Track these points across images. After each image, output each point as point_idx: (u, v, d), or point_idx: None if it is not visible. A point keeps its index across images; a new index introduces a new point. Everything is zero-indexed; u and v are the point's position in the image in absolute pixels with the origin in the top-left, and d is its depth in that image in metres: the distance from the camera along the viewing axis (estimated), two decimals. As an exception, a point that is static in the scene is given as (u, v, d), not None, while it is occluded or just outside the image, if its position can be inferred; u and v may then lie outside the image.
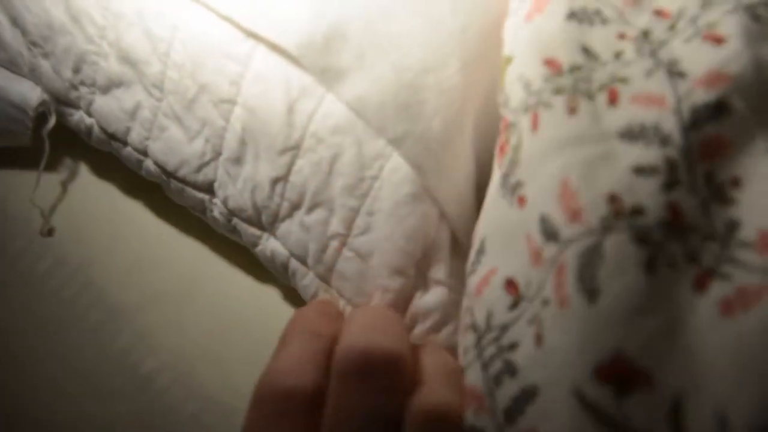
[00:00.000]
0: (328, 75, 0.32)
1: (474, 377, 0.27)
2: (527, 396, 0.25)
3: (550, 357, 0.24)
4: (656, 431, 0.22)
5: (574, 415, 0.23)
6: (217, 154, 0.34)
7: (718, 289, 0.23)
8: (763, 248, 0.23)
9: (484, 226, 0.31)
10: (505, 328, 0.27)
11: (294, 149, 0.33)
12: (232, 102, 0.34)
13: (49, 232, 0.41)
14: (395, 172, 0.32)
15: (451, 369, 0.29)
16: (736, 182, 0.25)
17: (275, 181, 0.33)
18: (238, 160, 0.34)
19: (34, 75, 0.38)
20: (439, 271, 0.33)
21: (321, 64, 0.32)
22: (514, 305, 0.27)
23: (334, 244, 0.33)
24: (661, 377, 0.23)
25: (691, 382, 0.22)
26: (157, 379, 0.38)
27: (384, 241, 0.32)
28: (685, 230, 0.24)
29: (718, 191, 0.25)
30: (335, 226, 0.33)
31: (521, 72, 0.30)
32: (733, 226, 0.24)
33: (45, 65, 0.38)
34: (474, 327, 0.28)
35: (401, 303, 0.33)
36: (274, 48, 0.33)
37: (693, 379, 0.22)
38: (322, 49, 0.32)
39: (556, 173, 0.27)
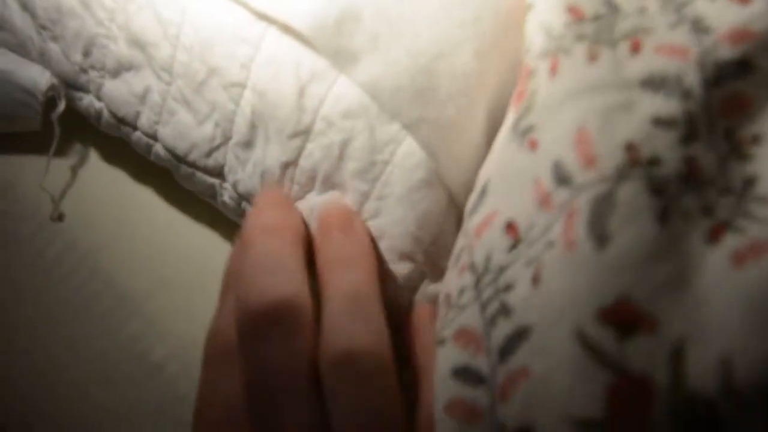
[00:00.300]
0: (341, 57, 0.32)
1: (472, 318, 0.27)
2: (520, 335, 0.25)
3: (547, 298, 0.24)
4: (655, 373, 0.22)
5: (572, 354, 0.23)
6: (227, 138, 0.34)
7: (730, 242, 0.23)
8: None
9: (489, 169, 0.30)
10: (502, 269, 0.27)
11: (304, 133, 0.32)
12: (242, 85, 0.33)
13: (59, 218, 0.40)
14: (408, 157, 0.32)
15: (361, 294, 0.29)
16: (755, 140, 0.25)
17: (285, 166, 0.33)
18: (248, 144, 0.34)
19: (43, 59, 0.38)
20: (447, 255, 0.32)
21: (334, 46, 0.32)
22: (513, 247, 0.27)
23: None
24: (665, 322, 0.23)
25: (697, 329, 0.22)
26: (168, 367, 0.37)
27: (394, 225, 0.32)
28: (701, 184, 0.24)
29: (737, 147, 0.25)
30: None
31: (542, 19, 0.30)
32: (750, 181, 0.24)
33: (54, 49, 0.37)
34: (472, 268, 0.28)
35: (408, 289, 0.33)
36: (286, 30, 0.33)
37: (699, 325, 0.22)
38: (335, 31, 0.32)
39: (573, 119, 0.26)
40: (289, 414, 0.27)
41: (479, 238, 0.28)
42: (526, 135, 0.28)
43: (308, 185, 0.33)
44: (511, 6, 0.33)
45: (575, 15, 0.29)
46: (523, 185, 0.27)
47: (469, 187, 0.32)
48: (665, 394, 0.22)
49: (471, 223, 0.29)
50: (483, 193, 0.29)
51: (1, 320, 0.39)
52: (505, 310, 0.25)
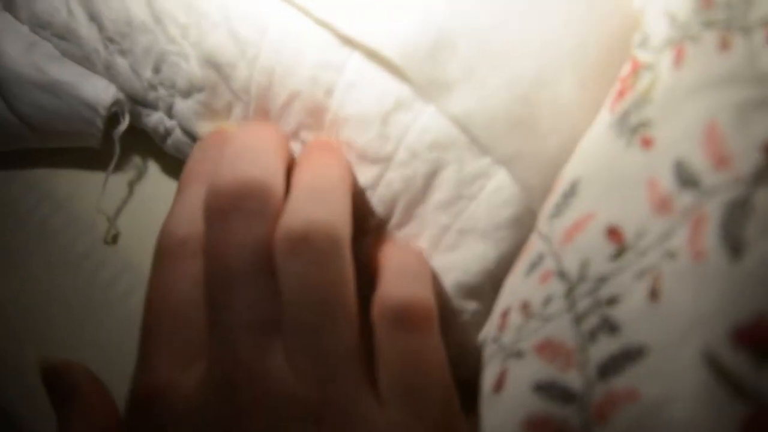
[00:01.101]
0: (433, 87, 0.30)
1: (562, 331, 0.25)
2: (630, 355, 0.22)
3: (669, 315, 0.22)
4: None
5: (699, 379, 0.21)
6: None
7: None
8: None
9: (578, 168, 0.28)
10: (603, 280, 0.24)
11: (385, 161, 0.31)
12: (324, 110, 0.32)
13: (114, 239, 0.39)
14: (497, 192, 0.30)
15: (326, 179, 0.30)
16: None
17: (363, 191, 0.32)
18: (328, 169, 0.32)
19: (109, 73, 0.36)
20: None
21: (426, 74, 0.30)
22: (617, 255, 0.25)
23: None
24: None
25: None
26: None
27: (472, 261, 0.31)
28: None
29: None
30: (422, 242, 0.32)
31: (666, 3, 0.28)
32: None
33: (122, 63, 0.36)
34: (562, 275, 0.26)
35: (472, 330, 0.32)
36: (371, 56, 0.31)
37: None
38: (427, 59, 0.30)
39: (701, 115, 0.24)
40: (242, 299, 0.27)
41: (570, 243, 0.26)
42: (637, 131, 0.26)
43: (386, 215, 0.32)
44: (615, 29, 0.32)
45: (704, 0, 0.27)
46: (630, 187, 0.25)
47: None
48: None
49: (555, 225, 0.27)
50: (571, 194, 0.27)
51: (53, 342, 0.38)
52: (609, 326, 0.23)
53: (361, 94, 0.31)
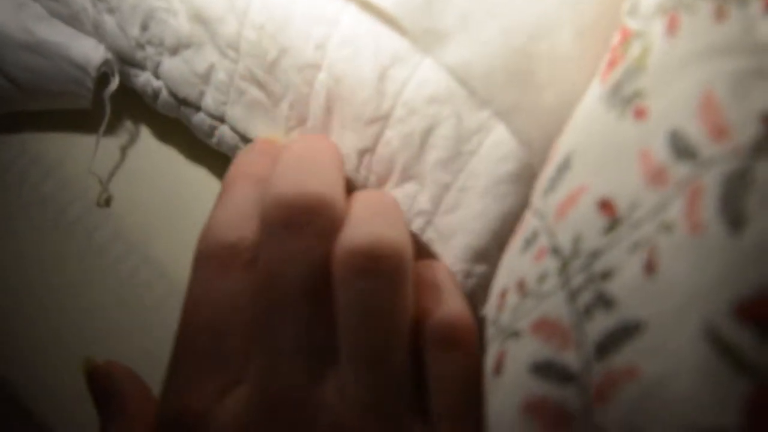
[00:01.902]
0: (428, 38, 0.29)
1: (557, 308, 0.24)
2: (627, 331, 0.22)
3: (667, 289, 0.21)
4: None
5: (700, 355, 0.20)
6: (303, 121, 0.32)
7: None
8: None
9: (570, 140, 0.27)
10: (596, 254, 0.24)
11: (383, 119, 0.30)
12: (316, 67, 0.31)
13: (107, 202, 0.38)
14: (497, 147, 0.29)
15: (386, 204, 0.28)
16: None
17: (362, 153, 0.31)
18: (323, 128, 0.31)
19: (97, 32, 0.35)
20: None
21: (422, 25, 0.29)
22: (610, 228, 0.24)
23: (419, 221, 0.31)
24: None
25: None
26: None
27: (474, 220, 0.30)
28: None
29: None
30: (423, 203, 0.31)
31: None
32: None
33: (110, 22, 0.35)
34: (555, 251, 0.25)
35: (481, 292, 0.30)
36: (365, 8, 0.30)
37: None
38: (422, 9, 0.29)
39: (697, 84, 0.23)
40: (295, 323, 0.25)
41: (563, 218, 0.25)
42: (631, 102, 0.25)
43: (385, 175, 0.31)
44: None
45: None
46: (623, 158, 0.24)
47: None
48: None
49: (549, 200, 0.27)
50: (565, 167, 0.26)
51: (47, 308, 0.37)
52: (604, 302, 0.23)
53: (357, 49, 0.30)
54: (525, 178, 0.30)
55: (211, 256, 0.27)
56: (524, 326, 0.25)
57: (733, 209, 0.21)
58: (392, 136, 0.30)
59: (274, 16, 0.31)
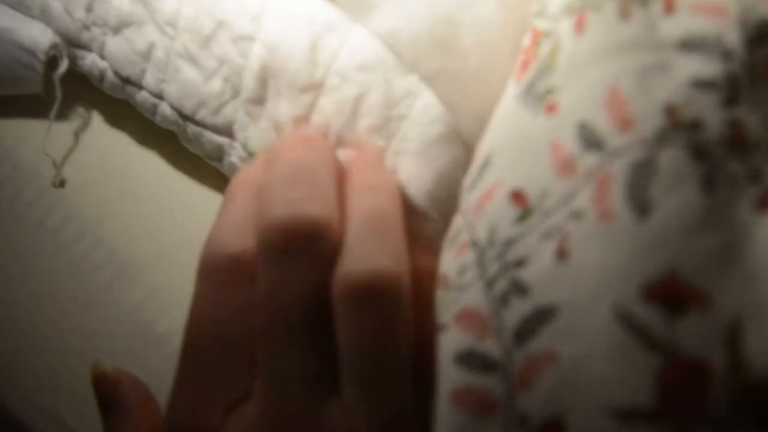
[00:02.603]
0: (357, 7, 0.30)
1: (476, 298, 0.25)
2: (542, 316, 0.23)
3: (578, 274, 0.22)
4: (711, 356, 0.20)
5: (613, 336, 0.21)
6: (236, 93, 0.33)
7: None
8: None
9: (491, 140, 0.28)
10: (510, 242, 0.24)
11: (317, 87, 0.31)
12: (251, 39, 0.32)
13: (61, 183, 0.39)
14: (426, 111, 0.30)
15: (384, 211, 0.28)
16: None
17: (297, 121, 0.31)
18: (259, 99, 0.32)
19: (44, 16, 0.36)
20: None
21: (351, -6, 0.30)
22: (522, 218, 0.25)
23: None
24: (719, 299, 0.21)
25: (753, 305, 0.20)
26: (172, 339, 0.36)
27: (410, 182, 0.30)
28: (746, 148, 0.23)
29: None
30: None
31: None
32: None
33: (56, 5, 0.36)
34: (474, 243, 0.26)
35: (427, 247, 0.31)
36: (297, -21, 0.31)
37: (755, 301, 0.21)
38: (350, -22, 0.30)
39: (603, 79, 0.24)
40: (298, 347, 0.26)
41: (480, 212, 0.26)
42: (543, 98, 0.26)
43: (321, 142, 0.32)
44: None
45: None
46: (535, 151, 0.25)
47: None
48: (724, 379, 0.20)
49: (470, 198, 0.27)
50: (485, 165, 0.27)
51: (1, 289, 0.38)
52: (519, 288, 0.23)
53: (290, 20, 0.31)
54: (454, 140, 0.30)
55: (215, 269, 0.27)
56: (449, 319, 0.25)
57: (640, 196, 0.22)
58: (326, 103, 0.31)
59: (210, -10, 0.32)
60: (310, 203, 0.26)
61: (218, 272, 0.27)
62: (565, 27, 0.27)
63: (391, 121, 0.30)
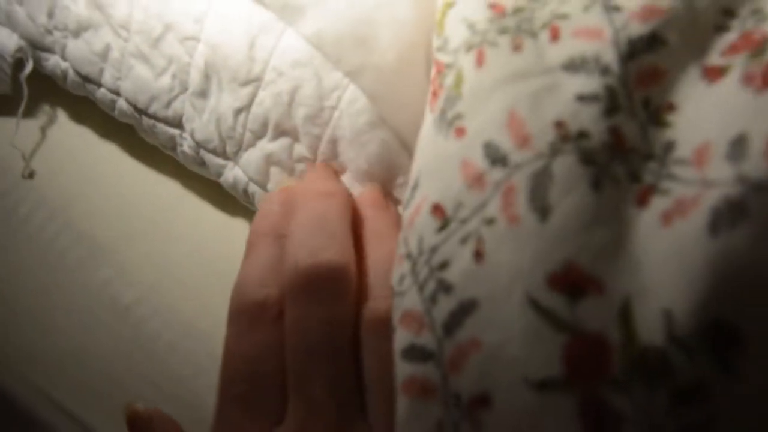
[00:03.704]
0: (287, 11, 0.34)
1: (412, 300, 0.28)
2: (465, 309, 0.26)
3: (493, 271, 0.26)
4: (608, 331, 0.24)
5: (526, 321, 0.25)
6: (184, 88, 0.36)
7: (658, 203, 0.25)
8: (698, 163, 0.25)
9: (417, 164, 0.32)
10: (434, 249, 0.28)
11: (256, 81, 0.35)
12: (196, 39, 0.35)
13: (30, 175, 0.42)
14: (353, 102, 0.34)
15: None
16: (670, 107, 0.27)
17: (238, 112, 0.35)
18: (203, 93, 0.36)
19: (10, 22, 0.40)
20: (404, 192, 0.35)
21: (281, 1, 0.34)
22: (442, 228, 0.28)
23: (302, 167, 0.35)
24: (610, 284, 0.24)
25: (639, 287, 0.24)
26: (136, 311, 0.40)
27: (348, 164, 0.34)
28: (626, 152, 0.26)
29: (655, 115, 0.27)
30: (301, 151, 0.35)
31: (465, 15, 0.32)
32: (669, 146, 0.26)
33: (20, 12, 0.39)
34: (408, 255, 0.30)
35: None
36: (235, -13, 0.35)
37: (640, 284, 0.24)
38: (281, -14, 0.34)
39: (503, 105, 0.28)
40: (325, 373, 0.29)
41: (411, 227, 0.30)
42: (452, 124, 0.29)
43: (260, 131, 0.35)
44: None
45: (497, 10, 0.31)
46: (448, 170, 0.29)
47: (416, 128, 0.34)
48: (619, 349, 0.23)
49: (405, 214, 0.31)
50: (415, 186, 0.31)
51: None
52: (444, 287, 0.27)
53: (229, 22, 0.35)
54: (380, 126, 0.34)
55: (242, 313, 0.30)
56: (396, 321, 0.29)
57: (540, 201, 0.26)
58: (264, 96, 0.35)
59: (158, -3, 0.36)
60: (329, 251, 0.30)
61: (246, 315, 0.30)
62: (466, 61, 0.30)
63: (324, 111, 0.34)
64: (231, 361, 0.30)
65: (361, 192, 0.35)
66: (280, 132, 0.35)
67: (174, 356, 0.39)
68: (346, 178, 0.35)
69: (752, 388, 0.22)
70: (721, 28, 0.28)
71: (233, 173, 0.37)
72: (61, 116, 0.44)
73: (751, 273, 0.22)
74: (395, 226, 0.34)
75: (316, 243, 0.30)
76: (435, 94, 0.32)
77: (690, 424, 0.22)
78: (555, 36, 0.29)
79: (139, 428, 0.34)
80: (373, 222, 0.34)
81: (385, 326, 0.29)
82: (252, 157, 0.36)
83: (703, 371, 0.22)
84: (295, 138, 0.35)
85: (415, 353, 0.27)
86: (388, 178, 0.35)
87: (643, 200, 0.25)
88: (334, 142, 0.35)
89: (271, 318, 0.30)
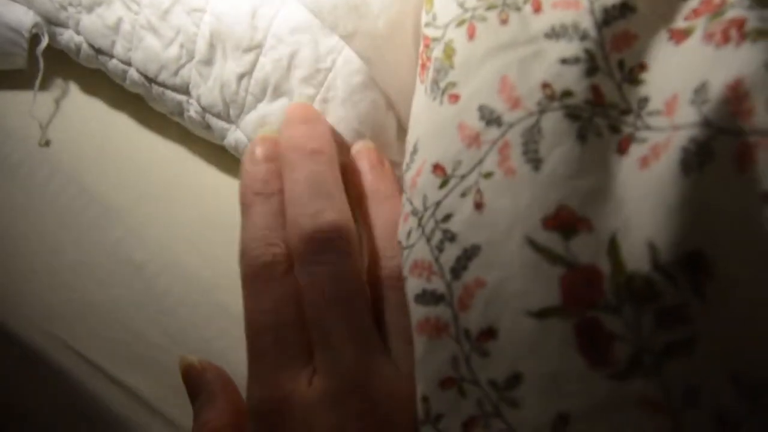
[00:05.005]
0: (287, -19, 0.37)
1: (421, 251, 0.31)
2: (469, 254, 0.29)
3: (493, 217, 0.29)
4: (599, 262, 0.26)
5: (525, 259, 0.27)
6: (191, 57, 0.39)
7: (636, 150, 0.28)
8: (668, 112, 0.27)
9: (414, 131, 0.35)
10: (437, 204, 0.31)
11: (257, 48, 0.38)
12: (202, 10, 0.38)
13: (46, 143, 0.45)
14: (347, 64, 0.37)
15: (394, 204, 0.35)
16: (643, 67, 0.30)
17: (241, 77, 0.38)
18: (208, 61, 0.39)
19: (26, 0, 0.43)
20: (388, 150, 0.38)
21: (281, -28, 0.37)
22: (443, 184, 0.31)
23: None
24: (598, 222, 0.27)
25: (623, 223, 0.26)
26: (148, 267, 0.42)
27: (338, 123, 0.37)
28: (606, 107, 0.29)
29: (630, 74, 0.29)
30: None
31: None
32: (643, 101, 0.29)
33: (36, -10, 0.42)
34: (414, 212, 0.32)
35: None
36: (238, -38, 0.38)
37: (624, 220, 0.26)
38: (279, -42, 0.37)
39: (494, 72, 0.31)
40: (345, 320, 0.31)
41: (414, 187, 0.33)
42: (446, 91, 0.32)
43: (260, 95, 0.38)
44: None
45: None
46: (446, 132, 0.32)
47: (404, 89, 0.37)
48: (609, 277, 0.26)
49: (407, 179, 0.34)
50: (414, 151, 0.34)
51: (1, 236, 0.44)
52: (449, 237, 0.30)
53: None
54: (371, 87, 0.37)
55: (255, 275, 0.33)
56: (407, 272, 0.32)
57: (532, 154, 0.28)
58: (265, 61, 0.38)
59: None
60: (329, 212, 0.33)
61: (258, 276, 0.33)
62: (457, 35, 0.33)
63: (320, 72, 0.37)
64: (253, 318, 0.32)
65: (357, 149, 0.37)
66: (278, 94, 0.38)
67: (183, 307, 0.41)
68: None
69: (720, 310, 0.25)
70: None
71: (235, 136, 0.40)
72: (74, 89, 0.47)
73: (718, 209, 0.25)
74: (393, 182, 0.36)
75: (315, 205, 0.33)
76: (424, 66, 0.35)
77: (674, 341, 0.25)
78: (537, 8, 0.31)
79: (193, 378, 0.36)
80: (373, 181, 0.36)
81: (397, 279, 0.32)
82: (252, 118, 0.39)
83: (684, 295, 0.25)
84: (291, 98, 0.38)
85: (426, 297, 0.30)
86: (374, 136, 0.38)
87: (623, 148, 0.28)
88: (325, 102, 0.37)
89: (281, 273, 0.33)
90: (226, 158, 0.42)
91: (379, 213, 0.35)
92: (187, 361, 0.37)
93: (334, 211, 0.33)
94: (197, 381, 0.36)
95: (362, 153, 0.37)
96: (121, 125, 0.46)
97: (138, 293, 0.42)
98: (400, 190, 0.36)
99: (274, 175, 0.35)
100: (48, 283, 0.43)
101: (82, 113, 0.46)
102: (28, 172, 0.45)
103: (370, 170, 0.36)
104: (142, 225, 0.43)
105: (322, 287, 0.32)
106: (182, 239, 0.43)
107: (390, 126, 0.38)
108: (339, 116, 0.37)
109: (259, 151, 0.36)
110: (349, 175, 0.36)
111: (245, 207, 0.35)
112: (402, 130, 0.38)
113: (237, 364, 0.35)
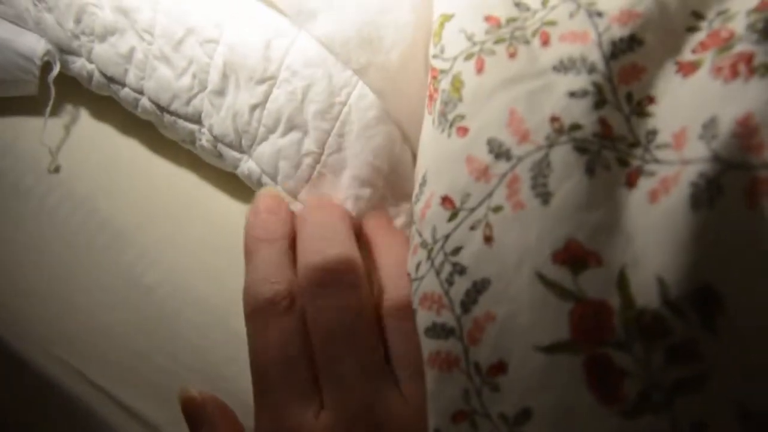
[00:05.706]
0: (301, 16, 0.38)
1: (431, 284, 0.31)
2: (479, 288, 0.29)
3: (503, 251, 0.29)
4: (608, 297, 0.26)
5: (534, 293, 0.28)
6: (203, 87, 0.40)
7: (644, 183, 0.28)
8: (677, 146, 0.28)
9: (423, 162, 0.35)
10: (447, 237, 0.31)
11: (271, 80, 0.38)
12: (215, 42, 0.39)
13: (56, 169, 0.46)
14: (361, 98, 0.37)
15: (400, 250, 0.35)
16: (651, 100, 0.30)
17: (253, 108, 0.39)
18: (221, 91, 0.39)
19: (39, 28, 0.43)
20: (405, 183, 0.39)
21: (296, 6, 0.38)
22: (452, 217, 0.31)
23: (308, 160, 0.38)
24: (607, 256, 0.27)
25: (633, 258, 0.27)
26: (158, 289, 0.43)
27: (354, 157, 0.38)
28: (614, 140, 0.29)
29: (638, 107, 0.30)
30: (309, 145, 0.38)
31: (463, 26, 0.35)
32: (652, 134, 0.29)
33: (49, 18, 0.43)
34: (423, 244, 0.33)
35: (369, 210, 0.39)
36: (253, -5, 0.39)
37: (633, 255, 0.27)
38: (296, -7, 0.38)
39: (503, 105, 0.31)
40: (352, 354, 0.32)
41: (423, 219, 0.33)
42: (454, 124, 0.33)
43: (273, 126, 0.39)
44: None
45: (493, 22, 0.34)
46: (454, 165, 0.32)
47: (418, 122, 0.38)
48: (619, 312, 0.26)
49: (416, 210, 0.34)
50: (423, 183, 0.34)
51: (10, 260, 0.44)
52: (459, 270, 0.30)
53: (248, 25, 0.38)
54: (386, 120, 0.38)
55: (257, 312, 0.33)
56: (416, 304, 0.32)
57: (541, 188, 0.29)
58: (279, 93, 0.38)
59: (180, 2, 0.39)
60: (335, 247, 0.34)
61: (259, 313, 0.33)
62: (466, 68, 0.34)
63: (334, 106, 0.38)
64: (259, 353, 0.33)
65: (367, 216, 0.38)
66: (291, 127, 0.39)
67: (192, 331, 0.42)
68: (346, 177, 0.38)
69: (732, 344, 0.25)
70: (691, 29, 0.31)
71: (248, 165, 0.40)
72: (84, 115, 0.47)
73: (728, 243, 0.25)
74: (402, 243, 0.37)
75: (322, 243, 0.34)
76: (431, 97, 0.36)
77: (684, 378, 0.25)
78: (545, 41, 0.32)
79: (194, 414, 0.36)
80: (380, 238, 0.37)
81: (404, 310, 0.33)
82: (264, 150, 0.39)
83: (693, 330, 0.25)
84: (305, 133, 0.38)
85: (437, 331, 0.31)
86: (391, 169, 0.38)
87: (631, 182, 0.28)
88: (341, 136, 0.38)
89: (284, 308, 0.33)
90: (236, 183, 0.43)
91: (384, 259, 0.36)
92: (187, 393, 0.37)
93: (341, 247, 0.34)
94: (198, 413, 0.36)
95: (372, 219, 0.38)
96: (131, 150, 0.46)
97: (147, 317, 0.42)
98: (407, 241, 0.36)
99: (277, 223, 0.36)
100: (57, 306, 0.43)
101: (92, 139, 0.46)
102: (39, 197, 0.45)
103: (377, 230, 0.37)
104: (152, 249, 0.44)
105: (329, 320, 0.32)
106: (192, 263, 0.43)
107: (406, 159, 0.39)
108: (353, 152, 0.38)
109: (261, 205, 0.37)
110: (357, 233, 0.37)
111: (249, 254, 0.36)
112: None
113: (246, 391, 0.35)
